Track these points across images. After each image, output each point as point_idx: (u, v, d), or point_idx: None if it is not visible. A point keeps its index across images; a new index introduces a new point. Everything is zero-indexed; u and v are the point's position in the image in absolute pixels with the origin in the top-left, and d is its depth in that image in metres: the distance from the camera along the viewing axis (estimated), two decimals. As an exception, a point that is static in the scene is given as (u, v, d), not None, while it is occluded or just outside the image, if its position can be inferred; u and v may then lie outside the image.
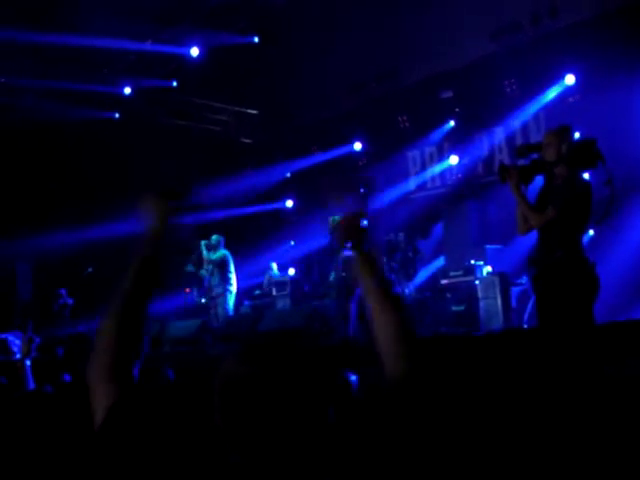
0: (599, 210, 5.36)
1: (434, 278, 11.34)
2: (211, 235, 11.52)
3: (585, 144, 5.51)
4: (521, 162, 5.65)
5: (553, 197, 5.20)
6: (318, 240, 11.96)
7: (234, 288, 11.24)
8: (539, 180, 5.48)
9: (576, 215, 5.12)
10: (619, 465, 3.59)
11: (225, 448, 1.52)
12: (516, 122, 11.73)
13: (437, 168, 12.95)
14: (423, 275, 11.48)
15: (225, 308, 11.01)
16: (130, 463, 1.61)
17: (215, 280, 11.22)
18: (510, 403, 4.93)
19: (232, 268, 11.25)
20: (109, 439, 1.66)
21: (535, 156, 5.48)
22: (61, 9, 10.36)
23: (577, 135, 10.02)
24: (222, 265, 11.20)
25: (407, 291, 10.63)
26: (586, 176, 9.51)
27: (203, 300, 11.82)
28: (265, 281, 12.84)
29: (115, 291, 1.87)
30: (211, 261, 11.28)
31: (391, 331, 1.88)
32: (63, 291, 12.11)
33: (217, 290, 11.12)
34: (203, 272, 11.47)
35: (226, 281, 11.10)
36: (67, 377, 5.05)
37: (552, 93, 11.06)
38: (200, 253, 11.43)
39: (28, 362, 5.43)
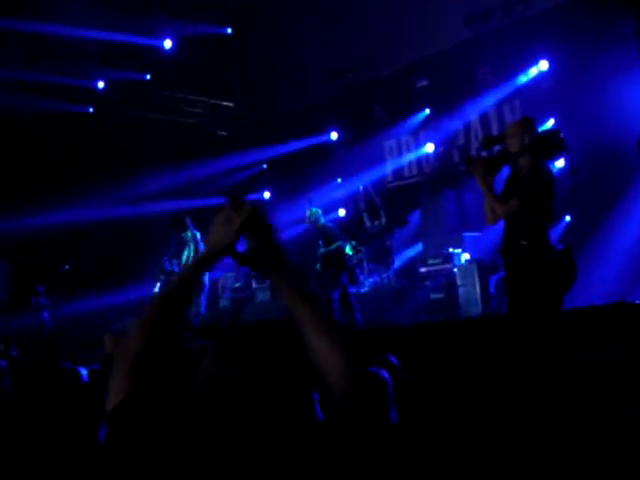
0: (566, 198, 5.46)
1: (412, 265, 11.37)
2: (185, 221, 11.22)
3: (548, 134, 5.58)
4: (485, 153, 5.70)
5: (517, 187, 5.27)
6: (296, 230, 11.96)
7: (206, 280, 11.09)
8: (506, 170, 5.53)
9: (539, 204, 5.17)
10: (589, 452, 3.64)
11: (201, 446, 1.50)
12: (491, 109, 11.78)
13: (413, 156, 12.98)
14: (400, 261, 11.52)
15: (197, 304, 10.86)
16: (129, 460, 1.59)
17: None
18: (487, 389, 4.97)
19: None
20: (111, 434, 1.65)
21: (499, 147, 5.54)
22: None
23: (552, 122, 10.19)
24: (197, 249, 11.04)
25: (387, 279, 10.67)
26: (561, 163, 9.62)
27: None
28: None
29: (152, 301, 1.82)
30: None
31: (332, 366, 1.68)
32: (41, 289, 12.03)
33: None
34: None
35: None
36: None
37: (525, 78, 11.11)
38: (180, 240, 11.21)
39: (4, 363, 5.40)
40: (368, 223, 11.21)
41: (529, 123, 5.41)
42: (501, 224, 5.48)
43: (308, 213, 10.15)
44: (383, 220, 11.13)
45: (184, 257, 11.11)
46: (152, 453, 1.57)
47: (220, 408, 1.49)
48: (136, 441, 1.60)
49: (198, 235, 11.16)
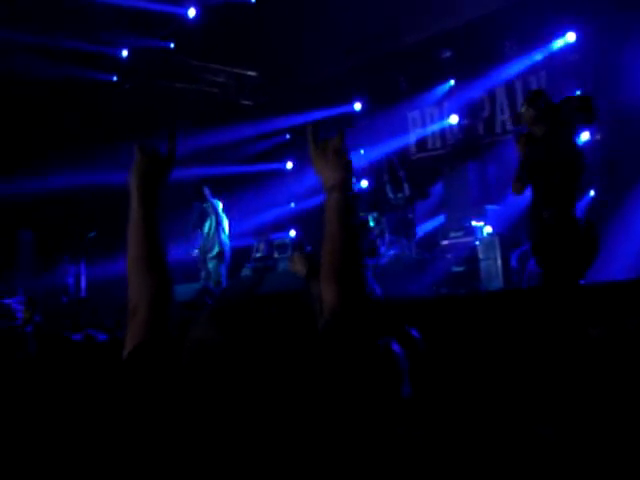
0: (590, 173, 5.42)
1: (433, 237, 11.35)
2: (204, 191, 11.23)
3: (577, 100, 5.52)
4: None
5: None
6: (316, 200, 11.97)
7: (227, 249, 11.15)
8: None
9: (560, 176, 5.13)
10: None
11: (191, 411, 1.52)
12: (517, 81, 11.66)
13: (437, 127, 12.91)
14: (422, 232, 11.49)
15: (218, 273, 10.95)
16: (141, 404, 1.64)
17: (213, 240, 11.04)
18: (505, 363, 4.98)
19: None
20: (128, 376, 1.71)
21: None
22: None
23: (578, 94, 10.05)
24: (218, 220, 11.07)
25: (407, 252, 10.65)
26: (586, 136, 9.50)
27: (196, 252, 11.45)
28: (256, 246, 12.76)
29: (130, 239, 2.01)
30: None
31: (337, 258, 1.92)
32: (66, 256, 12.14)
33: (214, 251, 11.00)
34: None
35: (222, 242, 11.00)
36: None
37: (552, 49, 10.96)
38: (203, 211, 11.23)
39: (29, 328, 5.50)
40: (391, 195, 11.18)
41: (533, 98, 5.41)
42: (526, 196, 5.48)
43: None
44: (406, 192, 11.10)
45: (206, 227, 11.16)
46: (163, 399, 1.60)
47: (211, 373, 1.51)
48: (151, 384, 1.64)
49: (218, 204, 11.19)
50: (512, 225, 9.71)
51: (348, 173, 2.04)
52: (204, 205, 11.19)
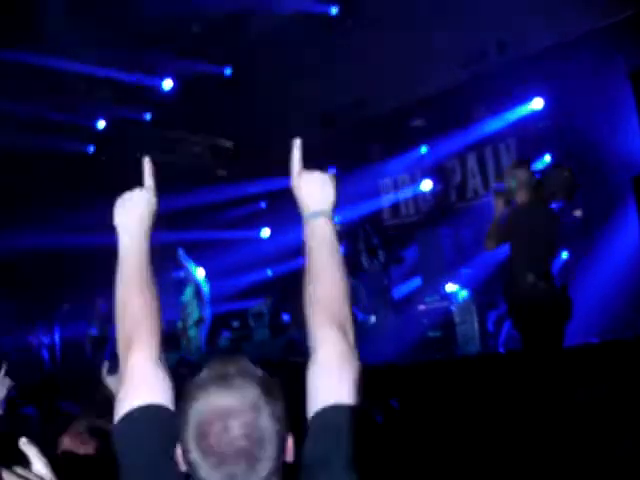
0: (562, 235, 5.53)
1: (409, 302, 11.36)
2: (178, 252, 11.11)
3: (553, 173, 5.67)
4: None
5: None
6: (291, 265, 11.99)
7: (208, 314, 11.04)
8: None
9: (539, 243, 5.24)
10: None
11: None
12: (487, 148, 11.89)
13: (409, 193, 13.06)
14: (397, 294, 11.50)
15: (198, 338, 10.82)
16: None
17: (193, 306, 10.94)
18: (485, 425, 4.96)
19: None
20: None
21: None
22: (35, 28, 10.16)
23: (547, 158, 10.28)
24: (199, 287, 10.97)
25: (383, 318, 10.65)
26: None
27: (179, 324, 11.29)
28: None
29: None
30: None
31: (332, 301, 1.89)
32: (40, 327, 11.98)
33: (193, 316, 10.90)
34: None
35: (202, 307, 10.91)
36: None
37: (520, 116, 11.20)
38: (181, 280, 11.10)
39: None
40: (366, 263, 11.22)
41: (517, 166, 5.56)
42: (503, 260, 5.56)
43: None
44: (381, 258, 11.16)
45: (187, 294, 11.05)
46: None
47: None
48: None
49: (195, 270, 11.07)
50: (486, 286, 9.77)
51: (335, 198, 2.01)
52: (181, 273, 11.12)
